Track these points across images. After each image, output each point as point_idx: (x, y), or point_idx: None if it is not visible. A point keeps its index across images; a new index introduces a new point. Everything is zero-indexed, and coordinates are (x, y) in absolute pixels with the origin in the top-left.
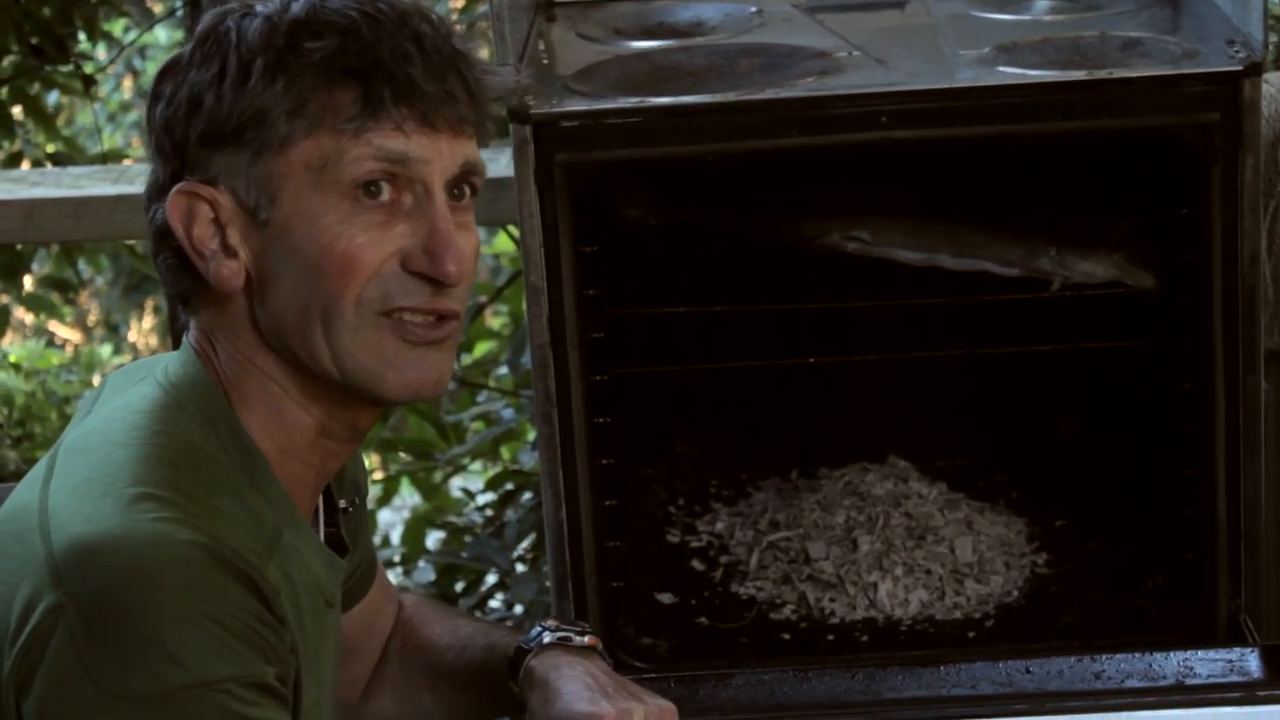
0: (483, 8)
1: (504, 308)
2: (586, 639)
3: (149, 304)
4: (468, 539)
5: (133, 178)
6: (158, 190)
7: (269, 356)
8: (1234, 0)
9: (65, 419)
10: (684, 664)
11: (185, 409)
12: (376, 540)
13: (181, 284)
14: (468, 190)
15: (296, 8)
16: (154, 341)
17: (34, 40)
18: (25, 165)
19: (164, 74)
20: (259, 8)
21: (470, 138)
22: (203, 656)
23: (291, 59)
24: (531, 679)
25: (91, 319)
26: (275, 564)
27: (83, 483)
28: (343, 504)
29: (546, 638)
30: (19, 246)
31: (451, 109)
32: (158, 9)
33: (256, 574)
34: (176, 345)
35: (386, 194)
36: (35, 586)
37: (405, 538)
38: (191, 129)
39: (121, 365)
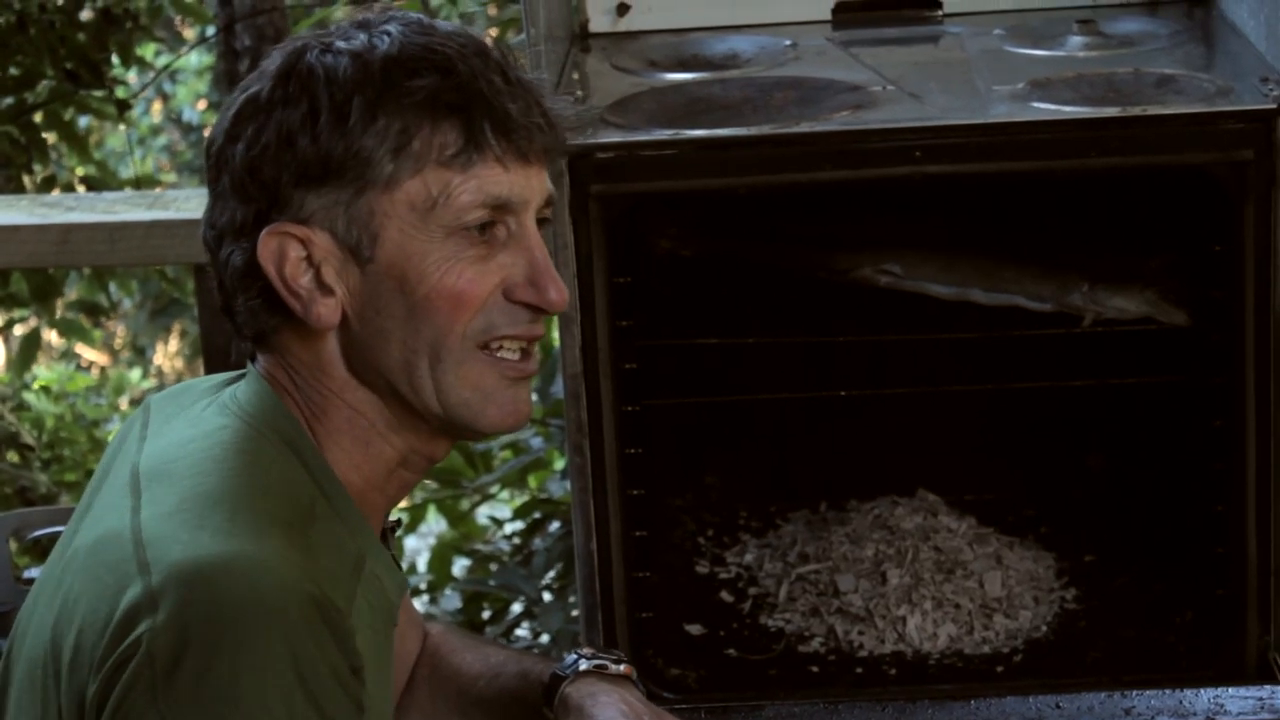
0: (518, 38)
1: None
2: (622, 667)
3: (175, 327)
4: (493, 567)
5: (167, 203)
6: (236, 231)
7: (360, 390)
8: (1269, 38)
9: (94, 441)
10: (712, 695)
11: (268, 438)
12: (404, 566)
13: (265, 323)
14: (544, 219)
15: (384, 45)
16: (180, 365)
17: (68, 65)
18: (55, 189)
19: (241, 114)
20: (338, 44)
21: (549, 167)
22: (274, 713)
23: (391, 97)
24: (566, 706)
25: (118, 342)
26: (361, 593)
27: (176, 511)
28: (389, 524)
29: (582, 665)
30: (51, 270)
31: (541, 139)
32: (187, 34)
33: (343, 618)
34: (210, 372)
35: (485, 229)
36: (130, 613)
37: (432, 565)
38: (284, 169)
39: (154, 390)
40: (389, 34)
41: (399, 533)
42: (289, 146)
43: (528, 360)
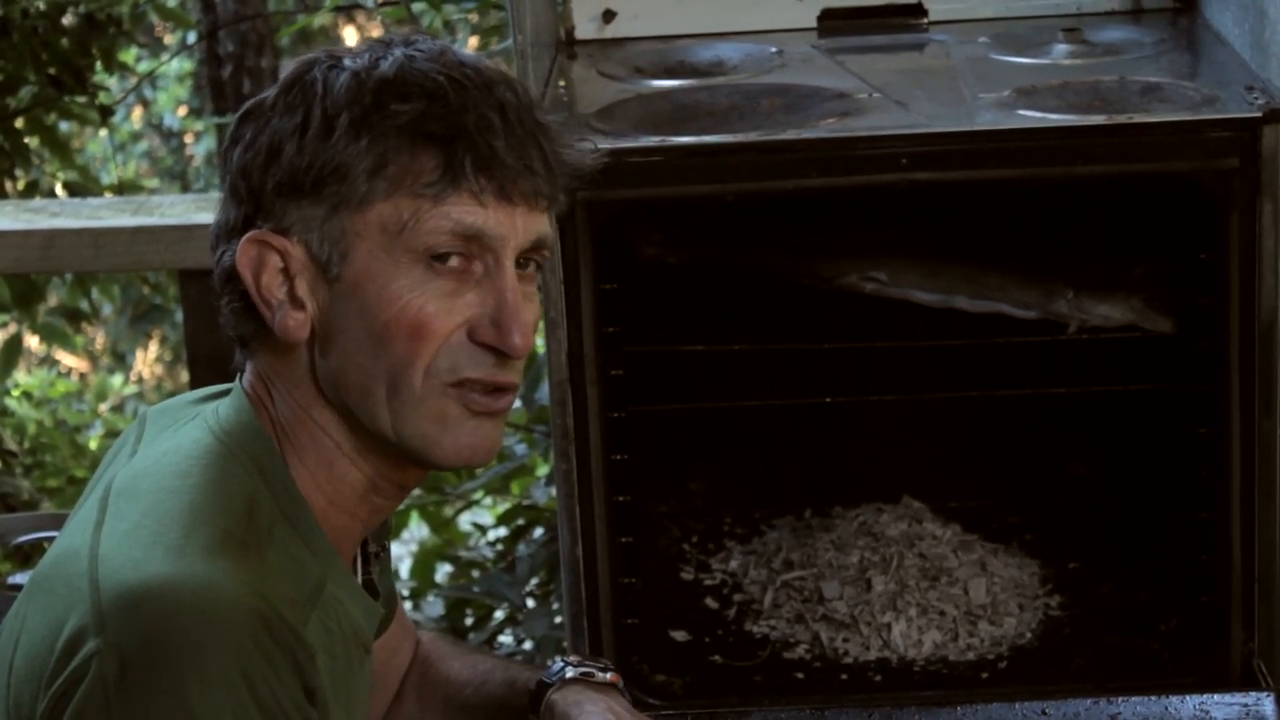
0: (505, 43)
1: None
2: (609, 675)
3: (155, 333)
4: (475, 573)
5: (152, 209)
6: (227, 232)
7: (325, 409)
8: (1253, 46)
9: (76, 447)
10: (697, 701)
11: (237, 457)
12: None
13: (243, 328)
14: (534, 262)
15: (385, 66)
16: (159, 371)
17: (52, 70)
18: (36, 195)
19: (245, 117)
20: (346, 60)
21: (544, 211)
22: None
23: (377, 118)
24: (552, 713)
25: (97, 346)
26: (316, 617)
27: (134, 529)
28: (374, 549)
29: (569, 672)
30: (33, 276)
31: (529, 182)
32: (167, 39)
33: (296, 638)
34: (195, 384)
35: (456, 262)
36: (79, 631)
37: (415, 571)
38: (269, 176)
39: (136, 396)
40: (394, 56)
41: (381, 556)
42: (277, 155)
43: (495, 399)
